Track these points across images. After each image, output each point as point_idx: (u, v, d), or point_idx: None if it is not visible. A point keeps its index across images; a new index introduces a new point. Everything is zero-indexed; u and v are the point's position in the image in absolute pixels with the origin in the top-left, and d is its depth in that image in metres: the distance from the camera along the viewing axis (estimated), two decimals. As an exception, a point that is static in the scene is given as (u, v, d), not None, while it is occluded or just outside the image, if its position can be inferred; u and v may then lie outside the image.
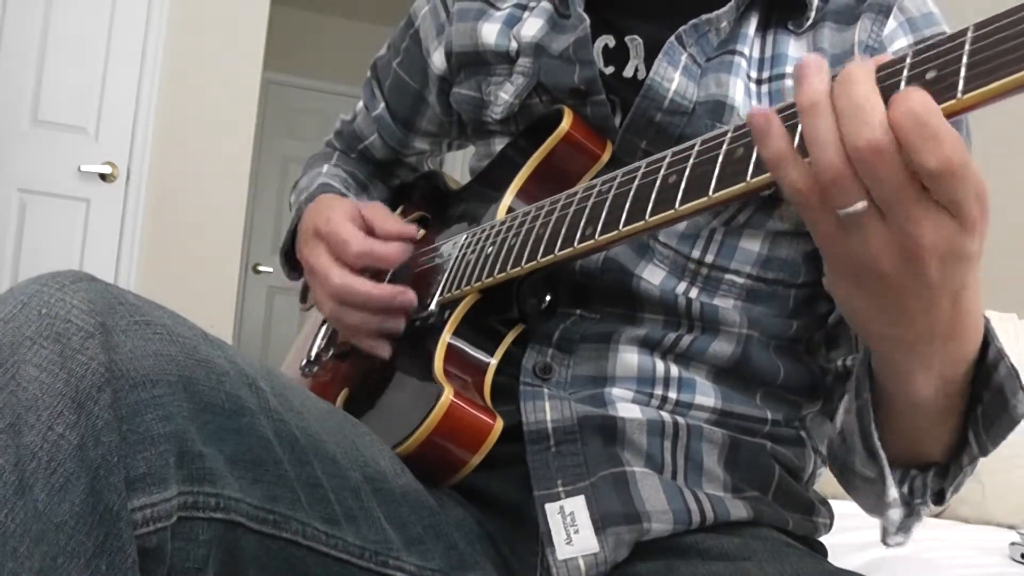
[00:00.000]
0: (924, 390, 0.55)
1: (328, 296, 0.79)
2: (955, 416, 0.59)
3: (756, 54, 0.73)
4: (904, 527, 0.61)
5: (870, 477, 0.61)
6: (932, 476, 0.62)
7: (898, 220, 0.45)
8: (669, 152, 0.60)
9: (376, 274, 0.80)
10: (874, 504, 0.63)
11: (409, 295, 0.76)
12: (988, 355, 0.56)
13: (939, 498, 0.63)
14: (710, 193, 0.53)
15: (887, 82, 0.46)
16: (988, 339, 0.56)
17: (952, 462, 0.61)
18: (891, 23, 0.71)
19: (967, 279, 0.48)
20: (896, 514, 0.59)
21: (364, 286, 0.76)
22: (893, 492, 0.58)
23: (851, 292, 0.50)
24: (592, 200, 0.64)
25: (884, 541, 0.59)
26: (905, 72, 0.46)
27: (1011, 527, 1.71)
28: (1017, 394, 0.57)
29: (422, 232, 0.91)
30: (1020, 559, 1.36)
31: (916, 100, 0.43)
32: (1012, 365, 0.56)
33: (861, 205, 0.45)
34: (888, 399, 0.58)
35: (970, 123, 0.75)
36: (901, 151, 0.43)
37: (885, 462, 0.58)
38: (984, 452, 0.59)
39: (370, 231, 0.80)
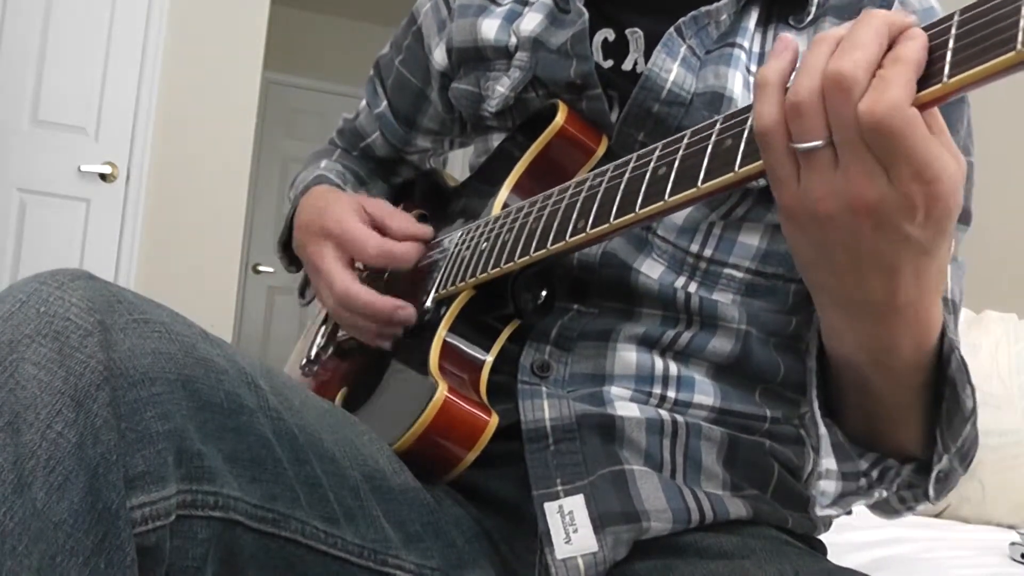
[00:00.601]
0: (855, 358, 0.56)
1: (331, 298, 0.79)
2: (918, 414, 0.60)
3: (756, 48, 0.74)
4: (842, 503, 0.60)
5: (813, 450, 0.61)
6: (911, 470, 0.62)
7: (846, 165, 0.46)
8: (659, 144, 0.60)
9: (374, 271, 0.80)
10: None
11: (408, 311, 0.76)
12: (943, 349, 0.57)
13: (926, 496, 0.63)
14: (699, 184, 0.54)
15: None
16: (943, 332, 0.57)
17: (930, 459, 0.61)
18: None
19: (902, 262, 0.49)
20: (830, 486, 0.59)
21: (366, 295, 0.77)
22: (829, 463, 0.59)
23: (796, 235, 0.52)
24: (583, 194, 0.65)
25: (811, 510, 0.59)
26: None
27: (1011, 527, 1.71)
28: (966, 388, 0.57)
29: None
30: (1020, 559, 1.35)
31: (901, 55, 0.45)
32: (962, 358, 0.57)
33: (818, 142, 0.47)
34: (834, 370, 0.60)
35: (972, 118, 0.75)
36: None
37: (823, 430, 0.59)
38: (947, 449, 0.60)
39: (381, 229, 0.81)
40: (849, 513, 0.64)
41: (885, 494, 0.61)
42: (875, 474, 0.61)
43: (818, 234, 0.50)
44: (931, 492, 0.62)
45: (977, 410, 0.59)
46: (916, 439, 0.61)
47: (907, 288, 0.51)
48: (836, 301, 0.54)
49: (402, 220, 0.81)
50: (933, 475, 0.61)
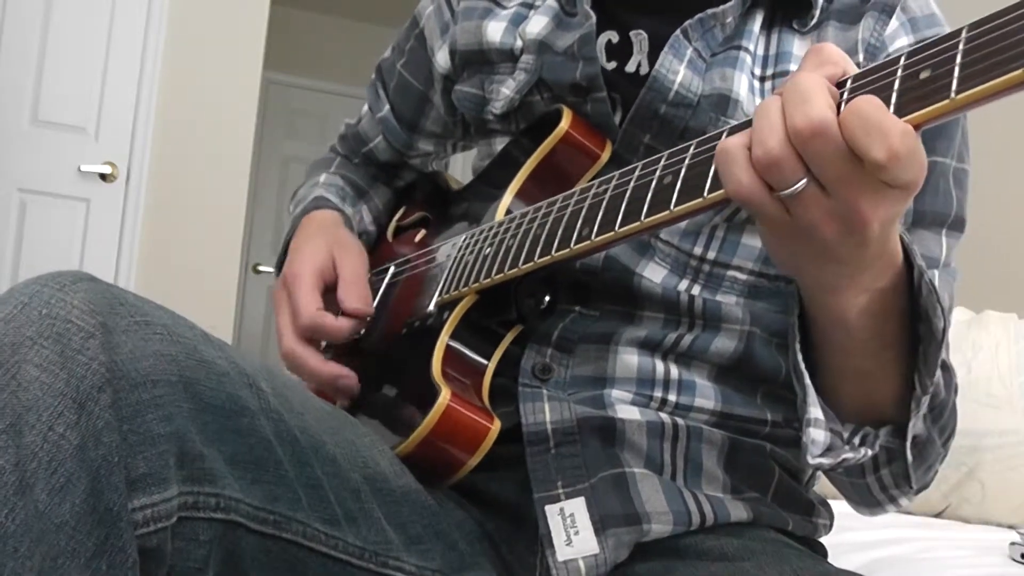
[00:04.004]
0: (853, 307, 0.56)
1: (280, 354, 0.80)
2: (896, 359, 0.60)
3: (760, 51, 0.74)
4: (831, 455, 0.59)
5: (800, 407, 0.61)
6: (887, 433, 0.62)
7: (843, 197, 0.47)
8: (665, 153, 0.60)
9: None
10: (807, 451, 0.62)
11: (351, 382, 0.77)
12: (914, 279, 0.57)
13: (904, 462, 0.62)
14: (705, 194, 0.53)
15: (882, 82, 0.46)
16: (911, 260, 0.56)
17: (907, 421, 0.61)
18: (893, 22, 0.71)
19: (895, 213, 0.50)
20: (820, 435, 0.59)
21: (308, 360, 0.78)
22: (815, 412, 0.59)
23: (788, 255, 0.53)
24: (588, 201, 0.64)
25: (805, 458, 0.59)
26: (899, 72, 0.46)
27: (1011, 527, 1.71)
28: (936, 310, 0.57)
29: (423, 233, 0.91)
30: (1020, 559, 1.35)
31: (861, 99, 0.45)
32: (930, 281, 0.57)
33: (801, 184, 0.47)
34: (819, 336, 0.60)
35: (967, 126, 0.75)
36: (844, 135, 0.45)
37: (807, 377, 0.59)
38: (925, 390, 0.59)
39: (332, 290, 0.81)
40: (840, 471, 0.63)
41: (870, 452, 0.61)
42: (857, 440, 0.61)
43: (817, 247, 0.50)
44: (909, 456, 0.61)
45: (948, 331, 0.59)
46: (893, 394, 0.61)
47: (895, 230, 0.53)
48: (835, 278, 0.54)
49: (349, 294, 0.80)
50: (909, 435, 0.60)
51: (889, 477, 0.65)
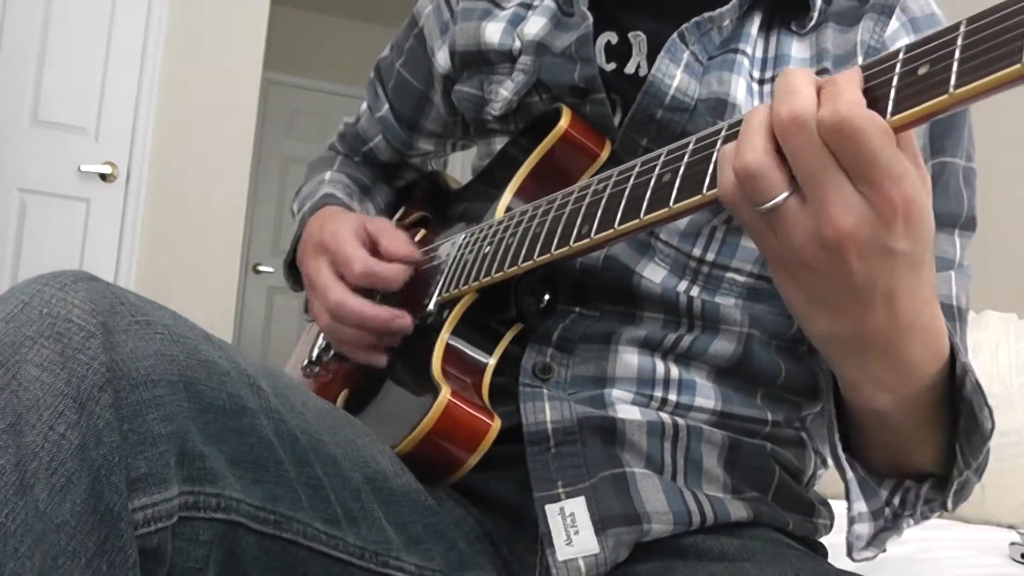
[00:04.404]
0: (878, 402, 0.55)
1: (325, 311, 0.79)
2: (935, 431, 0.59)
3: (759, 54, 0.73)
4: (876, 542, 0.60)
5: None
6: (928, 488, 0.62)
7: (815, 201, 0.46)
8: (664, 150, 0.59)
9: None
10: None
11: (405, 321, 0.76)
12: (956, 371, 0.57)
13: (943, 507, 0.62)
14: (704, 191, 0.53)
15: (880, 78, 0.46)
16: (954, 355, 0.56)
17: (948, 473, 0.61)
18: (893, 23, 0.71)
19: (897, 281, 0.48)
20: (864, 528, 0.59)
21: (361, 306, 0.76)
22: (860, 506, 0.59)
23: (787, 285, 0.51)
24: (588, 199, 0.64)
25: (850, 556, 0.59)
26: (898, 68, 0.46)
27: (1011, 527, 1.71)
28: (983, 410, 0.57)
29: (423, 233, 0.91)
30: (1020, 559, 1.35)
31: (839, 75, 0.46)
32: (976, 381, 0.57)
33: (780, 198, 0.47)
34: (852, 411, 0.59)
35: (973, 124, 0.75)
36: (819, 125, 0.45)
37: (850, 473, 0.59)
38: (968, 465, 0.60)
39: (374, 249, 0.80)
40: (883, 551, 0.64)
41: (912, 523, 0.61)
42: (896, 501, 0.61)
43: (809, 279, 0.49)
44: (949, 504, 0.61)
45: (995, 430, 0.58)
46: (932, 457, 0.61)
47: (907, 307, 0.50)
48: (845, 348, 0.53)
49: (392, 241, 0.80)
50: (952, 489, 0.60)
51: (927, 511, 0.64)
